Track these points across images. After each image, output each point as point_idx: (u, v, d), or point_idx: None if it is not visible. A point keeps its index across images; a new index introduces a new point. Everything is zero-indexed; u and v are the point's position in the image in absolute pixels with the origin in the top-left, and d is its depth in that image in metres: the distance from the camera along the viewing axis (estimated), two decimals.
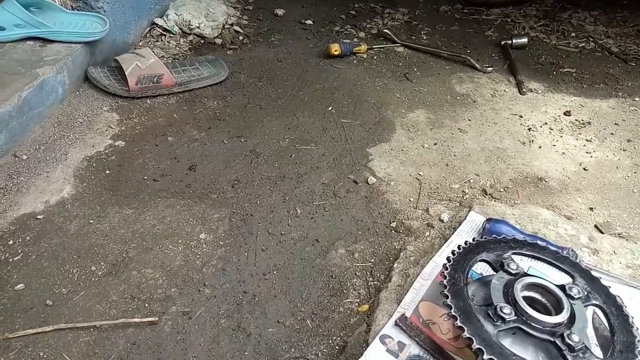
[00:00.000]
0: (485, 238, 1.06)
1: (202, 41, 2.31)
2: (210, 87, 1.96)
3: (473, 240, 1.04)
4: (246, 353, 1.04)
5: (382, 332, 1.00)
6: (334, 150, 1.66)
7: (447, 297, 0.91)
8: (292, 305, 1.15)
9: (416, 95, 1.99)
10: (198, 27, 2.33)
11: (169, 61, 2.08)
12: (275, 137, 1.71)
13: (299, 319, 1.12)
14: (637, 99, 1.95)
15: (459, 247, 1.02)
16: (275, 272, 1.22)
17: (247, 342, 1.06)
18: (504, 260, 0.99)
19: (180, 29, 2.34)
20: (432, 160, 1.62)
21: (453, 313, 0.88)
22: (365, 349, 0.98)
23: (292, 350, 1.05)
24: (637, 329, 0.91)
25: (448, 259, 0.99)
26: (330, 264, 1.25)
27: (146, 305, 1.12)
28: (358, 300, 1.16)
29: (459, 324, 0.86)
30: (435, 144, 1.70)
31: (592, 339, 1.02)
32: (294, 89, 2.00)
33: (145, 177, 1.49)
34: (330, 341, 1.07)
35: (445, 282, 0.94)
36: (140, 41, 2.23)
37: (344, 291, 1.18)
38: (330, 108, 1.89)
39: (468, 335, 0.85)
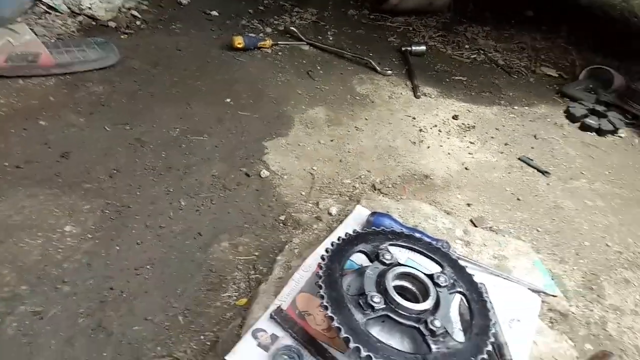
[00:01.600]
0: (365, 230, 1.06)
1: (94, 23, 2.14)
2: (97, 71, 1.80)
3: (353, 232, 1.05)
4: (105, 354, 0.95)
5: (256, 325, 0.97)
6: (229, 142, 1.60)
7: (321, 287, 0.90)
8: (164, 302, 1.07)
9: (317, 92, 2.00)
10: (90, 8, 2.15)
11: (52, 41, 1.89)
12: (166, 126, 1.61)
13: (170, 315, 1.05)
14: (516, 107, 2.12)
15: (338, 238, 1.02)
16: (149, 267, 1.14)
17: (107, 342, 0.97)
18: (379, 251, 1.00)
19: (69, 7, 2.14)
20: (327, 155, 1.63)
21: (325, 303, 0.87)
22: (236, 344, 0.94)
23: (159, 348, 0.98)
24: (494, 313, 0.96)
25: (326, 250, 0.98)
26: (211, 258, 1.19)
27: None
28: (237, 294, 1.12)
29: (329, 314, 0.85)
30: (331, 141, 1.71)
31: (457, 324, 1.06)
32: (192, 78, 1.91)
33: (7, 164, 1.32)
34: (202, 337, 1.01)
35: (320, 272, 0.92)
36: (19, 17, 2.00)
37: (223, 285, 1.13)
38: (229, 100, 1.83)
39: (337, 325, 0.84)
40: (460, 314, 1.08)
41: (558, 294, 1.21)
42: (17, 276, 1.04)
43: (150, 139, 1.54)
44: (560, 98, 2.26)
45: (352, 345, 0.81)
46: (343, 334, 0.83)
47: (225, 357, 0.89)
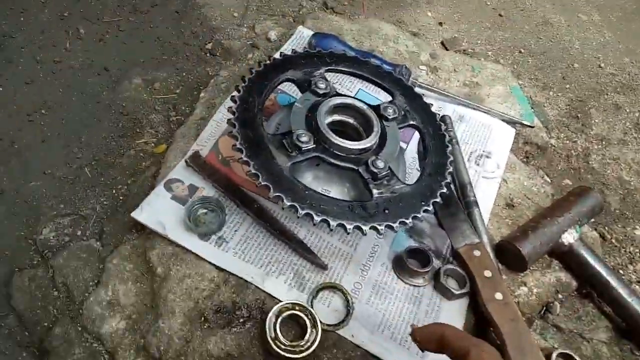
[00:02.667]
0: (295, 52, 0.83)
1: None
2: None
3: (280, 55, 0.82)
4: None
5: (170, 175, 0.81)
6: None
7: (234, 125, 0.71)
8: (66, 152, 0.89)
9: None
10: None
11: None
12: None
13: (74, 168, 0.88)
14: None
15: (259, 64, 0.79)
16: (44, 112, 0.93)
17: None
18: (312, 79, 0.79)
19: None
20: None
21: (238, 145, 0.69)
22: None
23: (62, 206, 0.83)
24: (454, 150, 0.80)
25: (243, 78, 0.77)
26: (122, 98, 0.97)
27: None
28: (155, 139, 0.93)
29: (244, 158, 0.68)
30: None
31: (415, 163, 0.92)
32: None
33: None
34: (114, 191, 0.86)
35: (233, 107, 0.72)
36: None
37: (138, 130, 0.94)
38: None
39: (253, 171, 0.67)
40: (419, 152, 0.92)
41: (536, 124, 1.05)
42: None
43: None
44: None
45: (272, 194, 0.66)
46: (262, 182, 0.66)
47: (132, 214, 0.75)
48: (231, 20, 1.13)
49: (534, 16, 1.33)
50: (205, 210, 0.77)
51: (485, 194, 0.90)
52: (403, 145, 0.93)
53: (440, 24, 1.22)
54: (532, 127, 1.03)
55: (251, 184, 0.82)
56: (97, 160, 0.89)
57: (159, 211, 0.76)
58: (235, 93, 0.74)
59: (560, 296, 0.83)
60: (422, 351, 0.55)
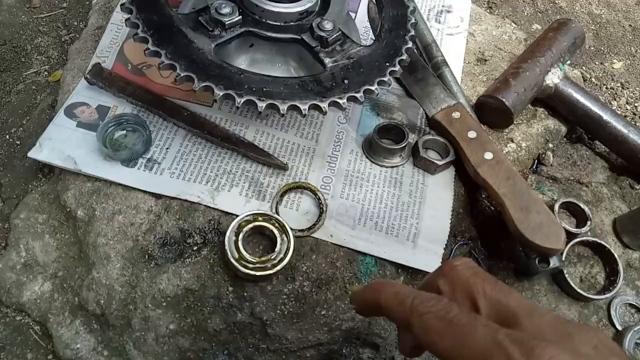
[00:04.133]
0: None
1: None
2: None
3: None
4: None
5: (70, 100, 0.64)
6: None
7: (130, 11, 0.54)
8: None
9: None
10: None
11: None
12: None
13: None
14: None
15: None
16: None
17: None
18: None
19: None
20: None
21: (141, 34, 0.52)
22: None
23: None
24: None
25: None
26: None
27: None
28: (47, 67, 0.75)
29: (152, 48, 0.52)
30: None
31: (368, 33, 0.77)
32: None
33: None
34: (7, 136, 0.69)
35: None
36: None
37: (23, 60, 0.75)
38: None
39: (167, 61, 0.51)
40: (371, 19, 0.77)
41: None
42: None
43: None
44: None
45: (198, 85, 0.51)
46: (181, 73, 0.51)
47: (29, 154, 0.58)
48: None
49: None
50: (123, 132, 0.61)
51: (453, 52, 0.78)
52: (352, 14, 0.78)
53: None
54: None
55: (175, 90, 0.66)
56: None
57: (64, 144, 0.60)
58: None
59: (550, 145, 0.75)
60: (365, 317, 0.46)
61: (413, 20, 0.63)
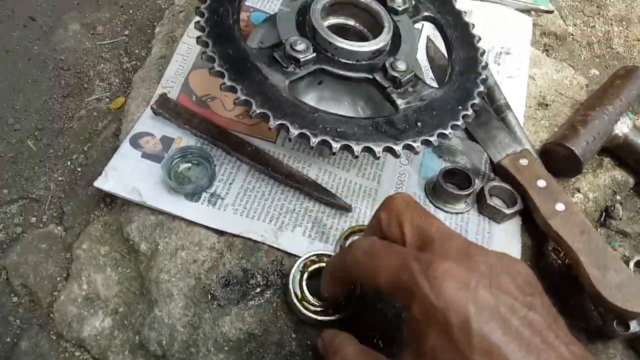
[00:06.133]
0: None
1: None
2: None
3: None
4: None
5: (136, 129, 0.64)
6: None
7: (206, 45, 0.54)
8: (0, 125, 0.71)
9: None
10: None
11: None
12: None
13: (13, 142, 0.70)
14: None
15: None
16: None
17: None
18: None
19: None
20: None
21: (217, 67, 0.52)
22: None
23: (5, 191, 0.66)
24: (479, 39, 0.65)
25: None
26: (60, 50, 0.78)
27: None
28: (109, 93, 0.75)
29: (227, 83, 0.51)
30: None
31: (428, 72, 0.76)
32: None
33: None
34: (69, 163, 0.69)
35: (202, 22, 0.55)
36: None
37: (86, 86, 0.76)
38: None
39: (243, 97, 0.51)
40: (430, 58, 0.77)
41: (552, 9, 0.90)
42: None
43: None
44: None
45: (273, 123, 0.50)
46: (257, 109, 0.50)
47: (95, 184, 0.58)
48: None
49: None
50: (188, 165, 0.61)
51: (514, 95, 0.76)
52: (417, 35, 0.77)
53: None
54: (551, 12, 0.88)
55: (239, 124, 0.66)
56: (41, 130, 0.71)
57: (129, 175, 0.59)
58: (200, 4, 0.56)
59: (618, 197, 0.72)
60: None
61: (484, 63, 0.62)
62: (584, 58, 0.92)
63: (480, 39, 0.65)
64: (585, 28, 0.96)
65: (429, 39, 0.78)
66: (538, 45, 0.89)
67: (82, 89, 0.75)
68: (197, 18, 0.55)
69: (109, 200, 0.62)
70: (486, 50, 0.81)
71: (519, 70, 0.80)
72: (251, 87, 0.52)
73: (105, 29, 0.81)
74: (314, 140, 0.50)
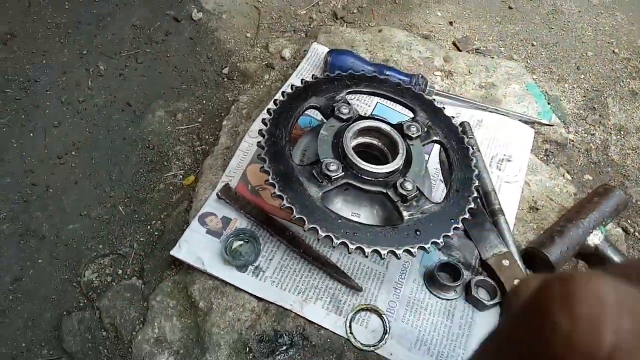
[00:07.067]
0: (315, 78, 0.85)
1: None
2: None
3: (302, 82, 0.84)
4: (40, 261, 0.84)
5: (203, 210, 0.83)
6: None
7: (264, 160, 0.73)
8: (99, 192, 0.93)
9: None
10: None
11: None
12: None
13: (108, 206, 0.91)
14: None
15: (282, 94, 0.81)
16: (74, 153, 0.96)
17: (39, 246, 0.85)
18: (335, 105, 0.80)
19: None
20: None
21: (271, 180, 0.71)
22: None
23: (100, 246, 0.87)
24: (477, 160, 0.81)
25: (268, 111, 0.79)
26: (147, 132, 1.00)
27: None
28: (182, 171, 0.96)
29: (277, 193, 0.70)
30: None
31: (438, 174, 0.93)
32: None
33: None
34: (149, 227, 0.89)
35: (262, 142, 0.75)
36: None
37: (165, 163, 0.97)
38: None
39: (287, 205, 0.70)
40: (442, 162, 0.93)
41: (555, 122, 1.05)
42: None
43: None
44: None
45: (307, 227, 0.68)
46: (296, 215, 0.69)
47: (172, 253, 0.78)
48: (244, 41, 1.15)
49: (544, 5, 1.32)
50: (240, 242, 0.80)
51: (509, 199, 0.92)
52: (425, 156, 0.95)
53: (451, 23, 1.22)
54: (551, 125, 1.03)
55: (281, 212, 0.84)
56: (130, 197, 0.92)
57: (196, 247, 0.79)
58: (262, 127, 0.76)
59: None
60: None
61: (477, 184, 0.78)
62: (581, 164, 1.06)
63: (477, 161, 0.81)
64: (586, 135, 1.10)
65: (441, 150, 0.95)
66: (539, 150, 1.04)
67: (162, 166, 0.97)
68: (254, 132, 0.75)
69: (178, 263, 0.81)
70: (490, 156, 0.98)
71: (516, 177, 0.95)
72: (293, 196, 0.70)
73: (183, 116, 1.03)
74: (336, 242, 0.68)
